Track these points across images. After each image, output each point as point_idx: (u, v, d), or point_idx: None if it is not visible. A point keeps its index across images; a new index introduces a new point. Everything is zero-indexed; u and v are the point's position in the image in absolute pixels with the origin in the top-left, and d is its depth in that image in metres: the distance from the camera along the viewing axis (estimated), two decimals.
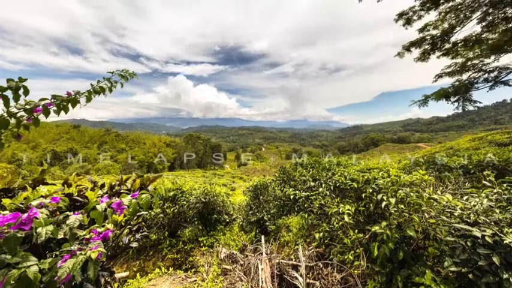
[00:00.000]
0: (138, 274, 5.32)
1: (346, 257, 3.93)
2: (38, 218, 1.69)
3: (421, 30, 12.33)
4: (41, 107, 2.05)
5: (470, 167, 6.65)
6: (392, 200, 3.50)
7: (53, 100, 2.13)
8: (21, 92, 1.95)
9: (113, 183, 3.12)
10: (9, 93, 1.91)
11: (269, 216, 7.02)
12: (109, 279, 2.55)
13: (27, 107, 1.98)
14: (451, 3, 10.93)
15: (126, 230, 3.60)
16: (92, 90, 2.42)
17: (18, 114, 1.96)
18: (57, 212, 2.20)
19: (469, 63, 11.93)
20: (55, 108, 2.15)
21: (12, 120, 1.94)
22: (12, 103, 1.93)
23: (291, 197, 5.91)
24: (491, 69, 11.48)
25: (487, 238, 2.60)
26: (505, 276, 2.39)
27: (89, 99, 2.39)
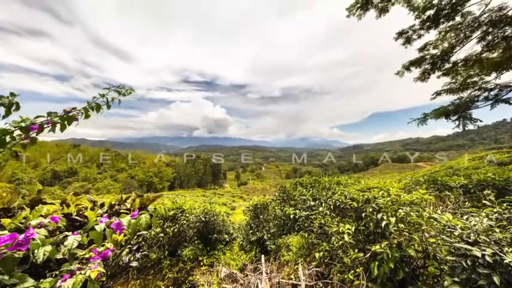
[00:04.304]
0: None
1: (346, 276, 3.90)
2: (35, 239, 1.69)
3: (421, 49, 12.38)
4: (37, 124, 1.99)
5: (470, 186, 6.64)
6: (393, 219, 3.50)
7: (49, 118, 2.06)
8: (12, 109, 1.88)
9: (113, 203, 3.14)
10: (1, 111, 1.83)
11: (269, 235, 6.98)
12: None
13: (23, 124, 1.92)
14: (451, 23, 11.04)
15: (126, 250, 3.59)
16: (87, 107, 2.35)
17: (15, 133, 1.90)
18: (57, 232, 2.21)
19: (469, 80, 11.97)
20: (50, 126, 2.08)
21: (8, 138, 1.87)
22: (4, 120, 1.85)
23: (291, 216, 5.90)
24: (491, 87, 11.50)
25: (487, 257, 2.60)
26: None
27: (86, 116, 2.32)
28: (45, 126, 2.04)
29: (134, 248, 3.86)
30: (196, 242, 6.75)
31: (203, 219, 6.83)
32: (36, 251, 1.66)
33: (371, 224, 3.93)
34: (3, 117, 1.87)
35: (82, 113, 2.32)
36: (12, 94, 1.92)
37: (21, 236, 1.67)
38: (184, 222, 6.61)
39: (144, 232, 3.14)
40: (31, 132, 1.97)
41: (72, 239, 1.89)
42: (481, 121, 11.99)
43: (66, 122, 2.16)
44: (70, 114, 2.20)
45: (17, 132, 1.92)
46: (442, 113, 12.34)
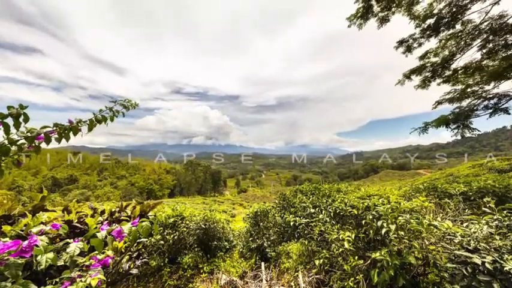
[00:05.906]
0: None
1: (346, 283, 3.89)
2: (38, 246, 1.70)
3: (422, 57, 12.42)
4: (42, 135, 2.03)
5: (470, 193, 6.64)
6: (393, 227, 3.51)
7: (54, 128, 2.11)
8: (21, 119, 1.92)
9: (113, 210, 3.15)
10: (9, 121, 1.87)
11: (269, 242, 6.97)
12: None
13: (29, 134, 1.97)
14: (451, 31, 11.09)
15: (127, 257, 3.59)
16: (94, 119, 2.37)
17: (19, 142, 1.93)
18: (57, 239, 2.22)
19: (468, 89, 11.99)
20: (56, 136, 2.12)
21: (13, 148, 1.92)
22: (12, 130, 1.89)
23: (291, 223, 5.89)
24: (491, 96, 11.51)
25: (487, 265, 2.60)
26: None
27: (90, 129, 2.35)
28: (50, 135, 2.07)
29: (134, 255, 3.86)
30: (196, 249, 6.73)
31: (203, 226, 6.83)
32: (39, 257, 1.67)
33: (371, 231, 3.93)
34: (16, 128, 1.89)
35: (88, 124, 2.35)
36: (21, 106, 1.95)
37: (25, 243, 1.68)
38: (184, 229, 6.60)
39: (144, 239, 3.15)
40: (35, 141, 2.00)
41: (74, 246, 1.90)
42: (478, 130, 12.00)
43: (71, 133, 2.19)
44: (75, 125, 2.22)
45: (20, 140, 1.94)
46: (443, 121, 12.36)
